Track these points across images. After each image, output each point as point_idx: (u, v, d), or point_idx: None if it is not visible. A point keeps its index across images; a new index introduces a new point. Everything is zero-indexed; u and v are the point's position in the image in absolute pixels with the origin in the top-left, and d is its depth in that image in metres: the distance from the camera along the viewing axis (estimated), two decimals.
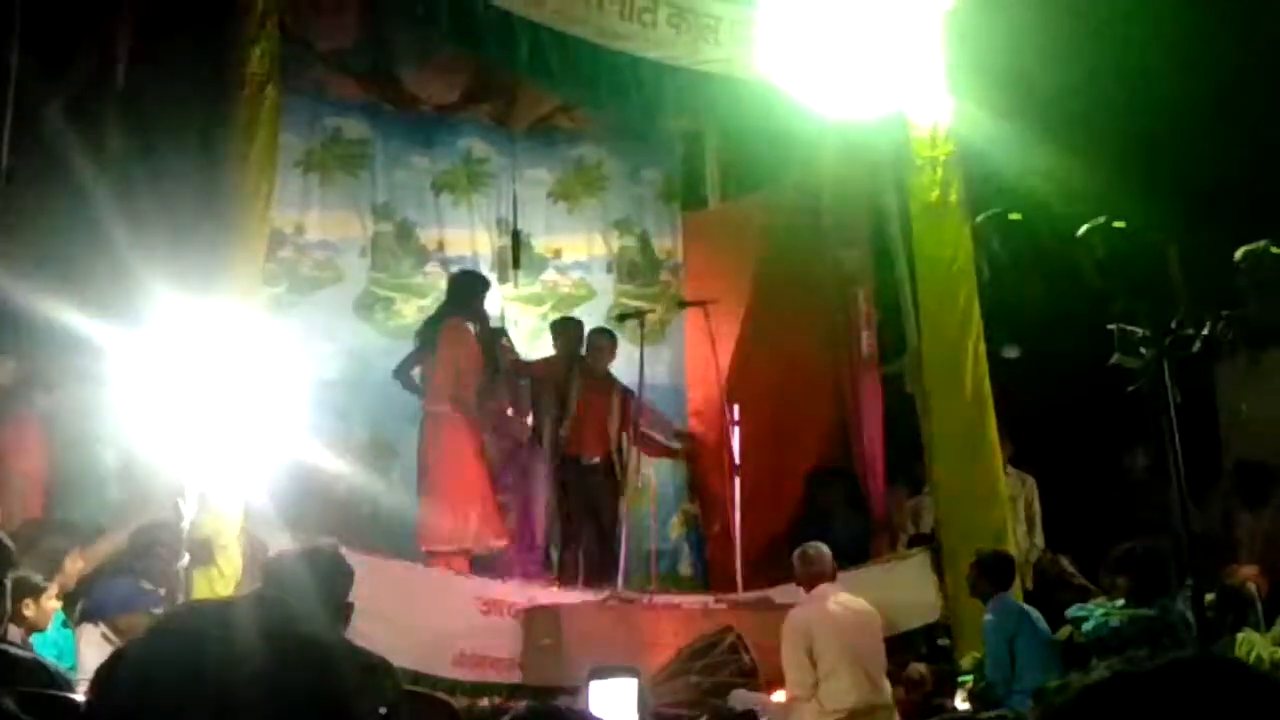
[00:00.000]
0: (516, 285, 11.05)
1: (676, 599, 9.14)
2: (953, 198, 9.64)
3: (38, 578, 6.20)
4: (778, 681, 7.92)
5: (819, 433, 10.91)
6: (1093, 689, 1.54)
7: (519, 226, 11.13)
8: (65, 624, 6.70)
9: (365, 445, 9.78)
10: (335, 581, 4.64)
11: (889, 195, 10.34)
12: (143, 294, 6.83)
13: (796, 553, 8.18)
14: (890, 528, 10.71)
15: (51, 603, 6.36)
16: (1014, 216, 10.74)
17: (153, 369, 6.57)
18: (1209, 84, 10.80)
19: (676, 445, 10.72)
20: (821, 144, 10.20)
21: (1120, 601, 7.94)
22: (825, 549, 8.13)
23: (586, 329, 10.27)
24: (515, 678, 8.27)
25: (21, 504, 7.70)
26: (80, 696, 3.77)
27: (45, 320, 7.31)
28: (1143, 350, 6.64)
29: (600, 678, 6.53)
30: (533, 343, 10.73)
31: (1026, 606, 8.32)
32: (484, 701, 7.95)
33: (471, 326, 9.80)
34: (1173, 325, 6.79)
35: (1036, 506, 10.37)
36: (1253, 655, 7.12)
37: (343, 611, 4.56)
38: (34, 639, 6.06)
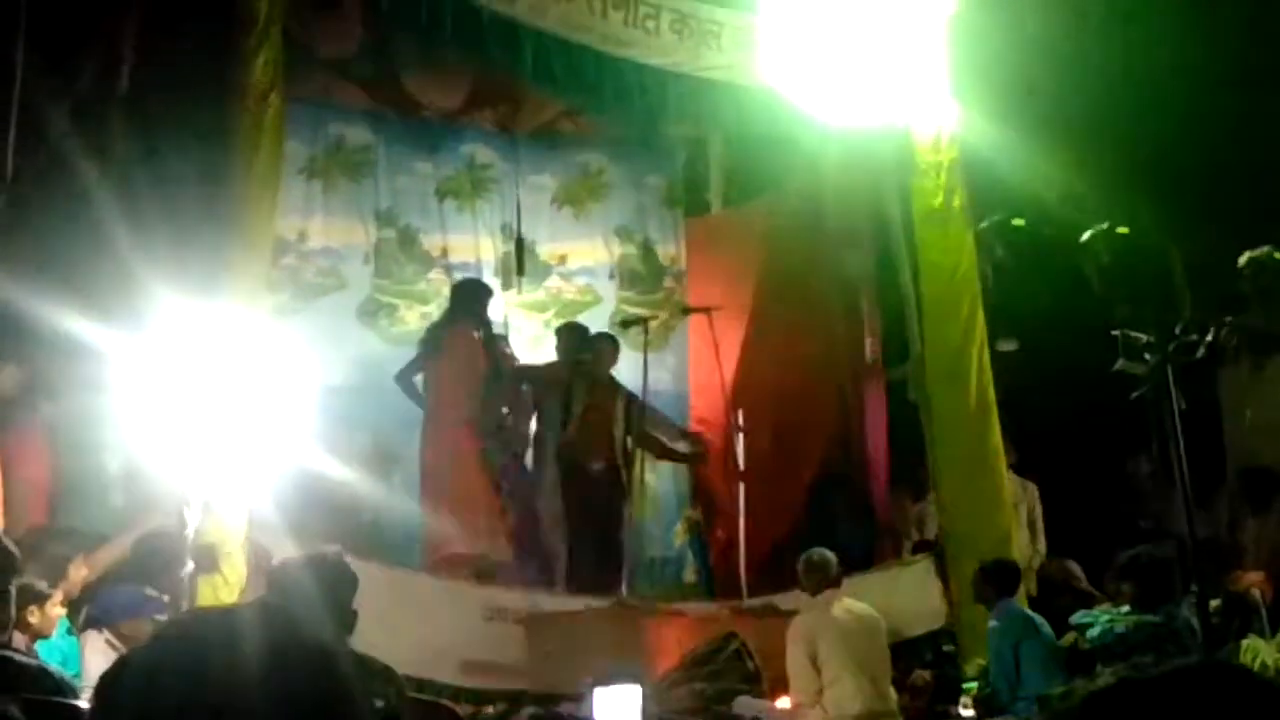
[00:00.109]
0: (520, 291, 11.05)
1: (680, 606, 9.13)
2: (956, 203, 9.64)
3: (42, 584, 6.21)
4: (782, 688, 7.91)
5: (823, 439, 10.90)
6: (1098, 695, 1.54)
7: (522, 233, 11.14)
8: (70, 631, 6.70)
9: (369, 452, 9.77)
10: (339, 589, 4.64)
11: (892, 201, 10.33)
12: (147, 301, 6.83)
13: (801, 558, 8.16)
14: (894, 534, 10.71)
15: (56, 609, 6.37)
16: (1017, 222, 10.75)
17: (156, 376, 6.57)
18: (1214, 89, 10.80)
19: (684, 448, 10.68)
20: (824, 150, 10.20)
21: (1125, 608, 7.94)
22: (830, 555, 8.12)
23: (590, 334, 10.27)
24: (519, 685, 8.25)
25: (25, 511, 7.70)
26: (84, 703, 3.77)
27: (49, 327, 7.31)
28: (1147, 356, 6.64)
29: (604, 685, 6.52)
30: (535, 349, 10.73)
31: (1031, 613, 8.32)
32: (488, 709, 7.95)
33: (475, 334, 9.80)
34: (1177, 331, 6.79)
35: (1038, 513, 10.37)
36: (1258, 662, 7.11)
37: (347, 619, 4.56)
38: (39, 646, 6.06)
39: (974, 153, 9.61)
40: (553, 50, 8.80)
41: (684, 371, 11.34)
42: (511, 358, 10.22)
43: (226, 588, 7.23)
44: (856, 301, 11.02)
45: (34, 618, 6.06)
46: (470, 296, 9.95)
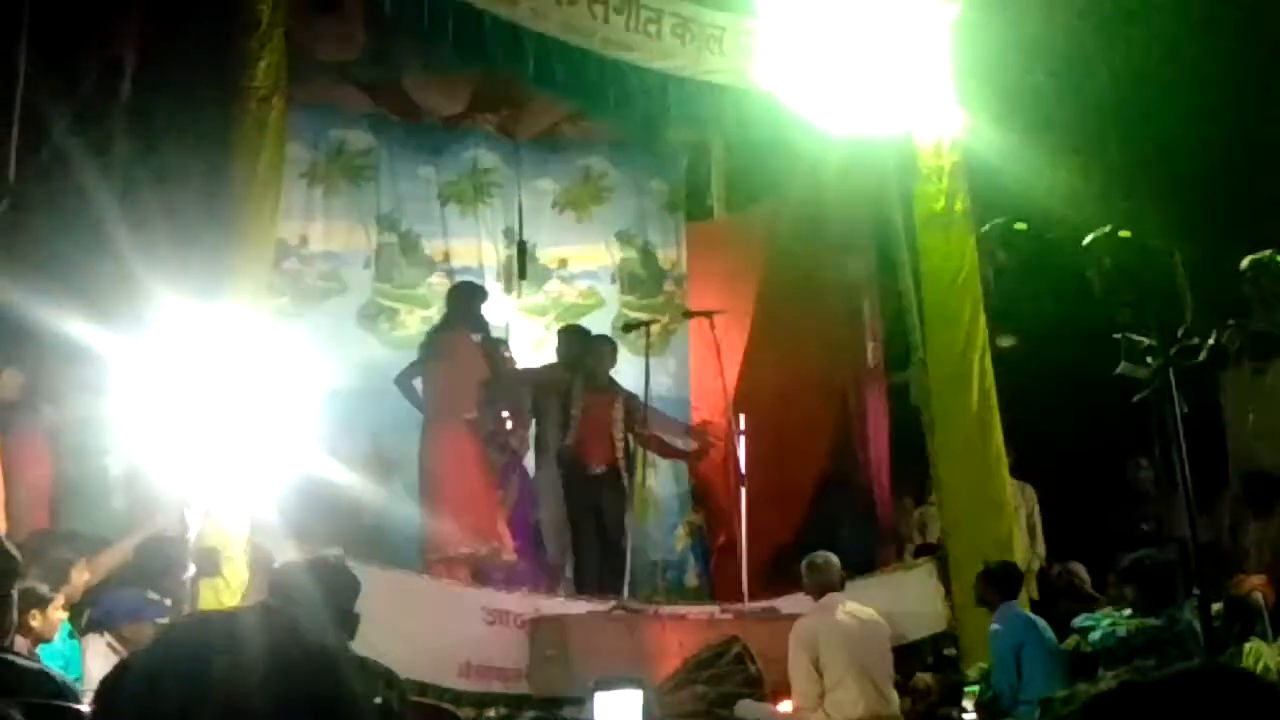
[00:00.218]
0: (520, 295, 11.06)
1: (682, 609, 9.12)
2: (958, 207, 9.64)
3: (44, 588, 6.20)
4: (784, 691, 7.91)
5: (825, 443, 10.91)
6: (1100, 699, 1.54)
7: (524, 237, 11.14)
8: (72, 635, 6.70)
9: (370, 456, 9.76)
10: (341, 592, 4.65)
11: (894, 205, 10.33)
12: (148, 304, 6.83)
13: (805, 561, 8.16)
14: (897, 537, 10.71)
15: (58, 613, 6.36)
16: (1019, 226, 10.74)
17: (158, 380, 6.57)
18: (1216, 92, 10.81)
19: (684, 445, 10.64)
20: (826, 154, 10.20)
21: (1127, 611, 7.93)
22: (834, 558, 8.12)
23: (591, 336, 10.27)
24: (521, 688, 8.25)
25: (28, 515, 7.70)
26: (86, 707, 3.77)
27: (50, 331, 7.32)
28: (1149, 359, 6.64)
29: (605, 689, 6.52)
30: (536, 353, 10.74)
31: (1033, 616, 8.32)
32: (490, 712, 7.95)
33: (473, 337, 9.81)
34: (1179, 334, 6.79)
35: (1037, 516, 10.36)
36: (1260, 665, 7.10)
37: (349, 623, 4.56)
38: (40, 650, 6.06)
39: (976, 157, 9.61)
40: (555, 54, 8.80)
41: (685, 376, 11.35)
42: (511, 360, 10.22)
43: (228, 591, 7.23)
44: (858, 306, 11.02)
45: (36, 621, 6.06)
46: (466, 299, 9.97)
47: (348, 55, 10.28)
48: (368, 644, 4.72)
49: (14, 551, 4.59)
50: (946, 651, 9.14)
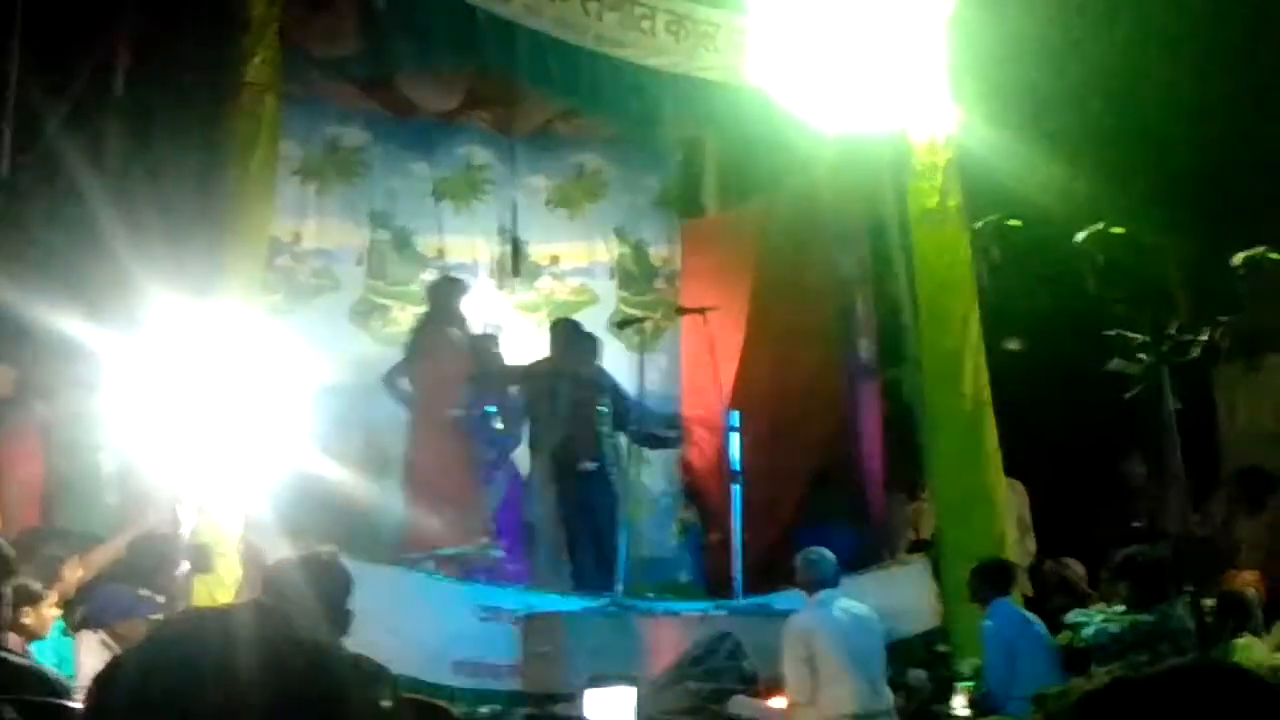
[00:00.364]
0: (513, 292, 11.06)
1: (675, 606, 9.13)
2: (952, 204, 9.64)
3: (37, 585, 6.21)
4: (777, 688, 7.91)
5: (818, 439, 10.89)
6: (1093, 695, 1.54)
7: (517, 233, 11.14)
8: (64, 632, 6.70)
9: (362, 453, 9.76)
10: (335, 589, 4.64)
11: (888, 202, 10.32)
12: (141, 301, 6.83)
13: (799, 557, 8.16)
14: (890, 534, 10.71)
15: (51, 610, 6.36)
16: (1013, 223, 10.76)
17: (151, 377, 6.57)
18: (1209, 90, 10.81)
19: (672, 433, 10.63)
20: (820, 150, 10.19)
21: (1120, 607, 7.95)
22: (828, 553, 8.11)
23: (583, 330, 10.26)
24: (514, 685, 8.25)
25: (20, 512, 7.69)
26: (78, 704, 3.77)
27: (44, 327, 7.31)
28: (1141, 356, 6.66)
29: (598, 685, 6.53)
30: (529, 349, 10.72)
31: (1026, 612, 8.33)
32: (483, 709, 7.95)
33: (454, 332, 9.80)
34: (1172, 331, 6.81)
35: (1027, 513, 10.37)
36: (1252, 660, 7.11)
37: (342, 619, 4.56)
38: (33, 647, 6.05)
39: (970, 153, 9.61)
40: (548, 51, 8.80)
41: (676, 372, 11.33)
42: (499, 356, 10.20)
43: (221, 588, 7.22)
44: (852, 302, 11.01)
45: (29, 619, 6.06)
46: (445, 295, 9.98)
47: (341, 52, 10.26)
48: (361, 641, 4.71)
49: (7, 549, 4.59)
50: (939, 648, 9.13)
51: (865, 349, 10.93)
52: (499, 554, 9.36)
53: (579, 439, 9.78)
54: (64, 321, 7.14)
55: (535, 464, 9.96)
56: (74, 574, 6.79)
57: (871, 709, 7.77)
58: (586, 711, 6.19)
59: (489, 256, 11.06)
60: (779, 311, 10.92)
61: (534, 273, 11.27)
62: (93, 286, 7.59)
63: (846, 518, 10.38)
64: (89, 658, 6.46)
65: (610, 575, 9.03)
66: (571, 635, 8.23)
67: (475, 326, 10.29)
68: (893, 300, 10.46)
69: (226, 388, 6.70)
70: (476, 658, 8.26)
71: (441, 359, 9.62)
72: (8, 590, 4.46)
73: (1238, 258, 9.57)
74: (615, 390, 9.90)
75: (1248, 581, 8.37)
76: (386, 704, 4.59)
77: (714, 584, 10.17)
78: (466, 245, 11.01)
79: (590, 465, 9.77)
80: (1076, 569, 9.60)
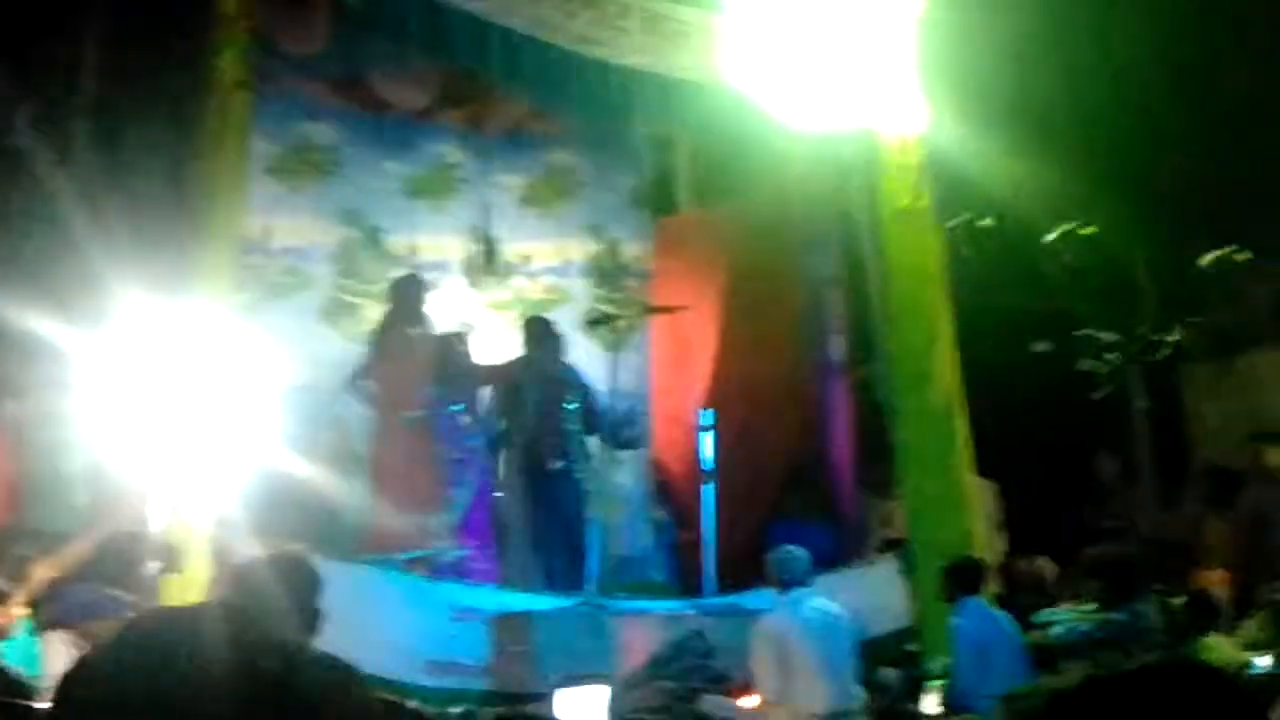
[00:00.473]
0: (486, 291, 11.03)
1: (647, 605, 9.13)
2: (923, 203, 9.66)
3: (4, 585, 6.17)
4: (748, 687, 7.92)
5: (789, 438, 10.90)
6: (1063, 693, 1.54)
7: (490, 232, 11.11)
8: (32, 632, 6.66)
9: (332, 452, 9.72)
10: (304, 588, 4.62)
11: (860, 201, 10.34)
12: (112, 300, 6.80)
13: (770, 556, 8.17)
14: (861, 532, 10.72)
15: (18, 610, 6.32)
16: (984, 223, 10.79)
17: (122, 375, 6.54)
18: (1180, 91, 10.86)
19: (630, 431, 10.61)
20: (792, 149, 10.19)
21: (1090, 605, 7.98)
22: (801, 552, 8.13)
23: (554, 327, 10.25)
24: (486, 684, 8.24)
25: None
26: (44, 704, 3.74)
27: (12, 325, 7.26)
28: (1110, 355, 6.69)
29: (570, 685, 6.53)
30: (501, 349, 10.70)
31: (996, 611, 8.35)
32: (454, 709, 7.93)
33: (415, 331, 9.77)
34: (1141, 331, 6.85)
35: (996, 512, 10.40)
36: (1218, 659, 7.16)
37: (312, 618, 4.54)
38: (0, 646, 6.02)
39: (941, 152, 9.64)
40: (522, 49, 8.78)
41: (646, 371, 11.32)
42: (466, 354, 10.17)
43: (190, 587, 7.19)
44: (824, 301, 11.02)
45: None
46: (405, 294, 9.96)
47: (313, 49, 10.22)
48: (331, 640, 4.69)
49: None
50: (909, 646, 9.15)
51: (837, 347, 10.95)
52: (461, 554, 9.33)
53: (547, 438, 9.77)
54: (34, 319, 7.09)
55: (505, 463, 9.94)
56: (42, 573, 6.75)
57: (842, 708, 7.79)
58: (558, 711, 6.19)
59: (461, 255, 11.02)
60: (751, 310, 10.92)
61: (507, 271, 11.24)
62: (63, 284, 7.55)
63: (818, 516, 10.40)
64: (56, 657, 6.42)
65: (581, 573, 9.03)
66: (543, 634, 8.23)
67: (444, 325, 10.26)
68: (864, 299, 10.47)
69: (197, 386, 6.68)
70: (448, 657, 8.24)
71: (401, 360, 9.59)
72: None
73: (1207, 259, 9.62)
74: (586, 389, 9.89)
75: (1215, 581, 8.42)
76: (357, 705, 4.57)
77: (686, 583, 10.17)
78: (439, 244, 10.97)
79: (558, 464, 9.76)
80: (1045, 567, 9.63)
